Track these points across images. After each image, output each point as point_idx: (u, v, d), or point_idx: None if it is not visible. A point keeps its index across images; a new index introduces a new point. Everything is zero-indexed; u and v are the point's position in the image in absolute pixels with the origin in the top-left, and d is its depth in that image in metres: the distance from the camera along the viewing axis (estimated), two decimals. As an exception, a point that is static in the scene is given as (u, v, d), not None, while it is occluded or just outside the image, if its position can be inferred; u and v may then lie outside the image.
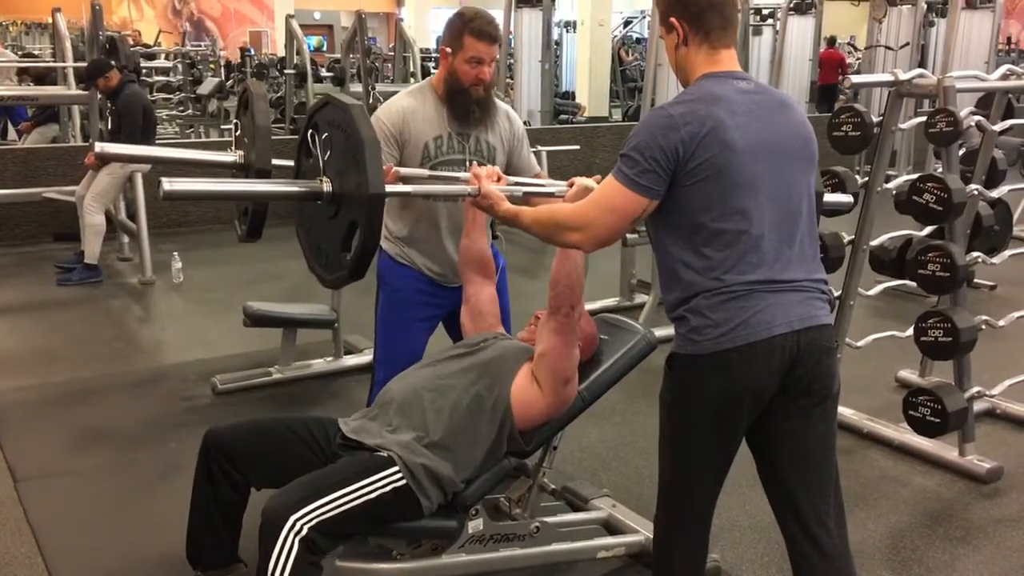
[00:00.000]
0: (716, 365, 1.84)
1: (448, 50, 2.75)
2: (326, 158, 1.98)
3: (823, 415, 1.95)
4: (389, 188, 2.06)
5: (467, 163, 2.80)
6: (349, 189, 2.00)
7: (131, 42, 12.10)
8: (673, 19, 1.93)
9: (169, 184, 1.80)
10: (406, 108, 2.79)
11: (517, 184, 2.43)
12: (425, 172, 2.60)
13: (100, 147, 2.57)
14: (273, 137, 9.09)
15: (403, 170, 2.55)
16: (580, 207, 1.93)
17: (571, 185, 2.28)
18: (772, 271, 1.85)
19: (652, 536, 2.11)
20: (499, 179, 2.46)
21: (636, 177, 1.83)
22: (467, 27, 2.70)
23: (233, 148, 2.59)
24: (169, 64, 13.31)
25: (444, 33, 2.81)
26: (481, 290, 2.68)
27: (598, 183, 2.11)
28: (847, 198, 3.13)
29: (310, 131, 2.16)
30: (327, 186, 2.03)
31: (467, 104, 2.76)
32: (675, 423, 1.95)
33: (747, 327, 1.82)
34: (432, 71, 13.17)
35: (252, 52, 11.94)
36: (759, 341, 1.82)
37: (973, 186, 3.47)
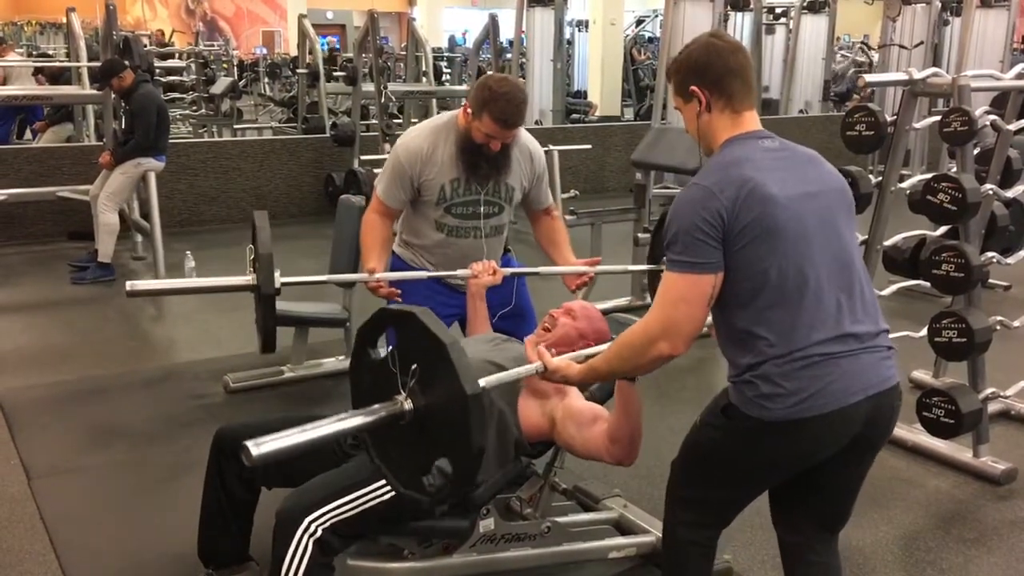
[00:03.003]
0: (787, 432, 1.78)
1: (470, 111, 2.75)
2: (412, 383, 1.80)
3: (873, 457, 1.95)
4: (482, 383, 1.82)
5: (483, 204, 2.88)
6: (440, 425, 1.80)
7: (149, 43, 12.15)
8: (694, 88, 1.89)
9: (256, 448, 1.63)
10: (426, 150, 2.81)
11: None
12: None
13: (131, 285, 2.68)
14: (285, 136, 9.08)
15: (391, 276, 2.80)
16: (649, 317, 1.82)
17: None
18: (840, 326, 1.79)
19: (663, 537, 2.10)
20: (495, 272, 2.59)
21: (691, 259, 1.76)
22: (488, 106, 2.68)
23: (249, 270, 2.77)
24: (182, 64, 13.37)
25: (472, 91, 2.80)
26: None
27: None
28: None
29: (383, 337, 1.98)
30: (408, 404, 1.82)
31: (477, 159, 2.80)
32: (723, 468, 1.91)
33: (823, 396, 1.76)
34: (443, 71, 13.26)
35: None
36: (835, 411, 1.77)
37: (988, 186, 3.45)
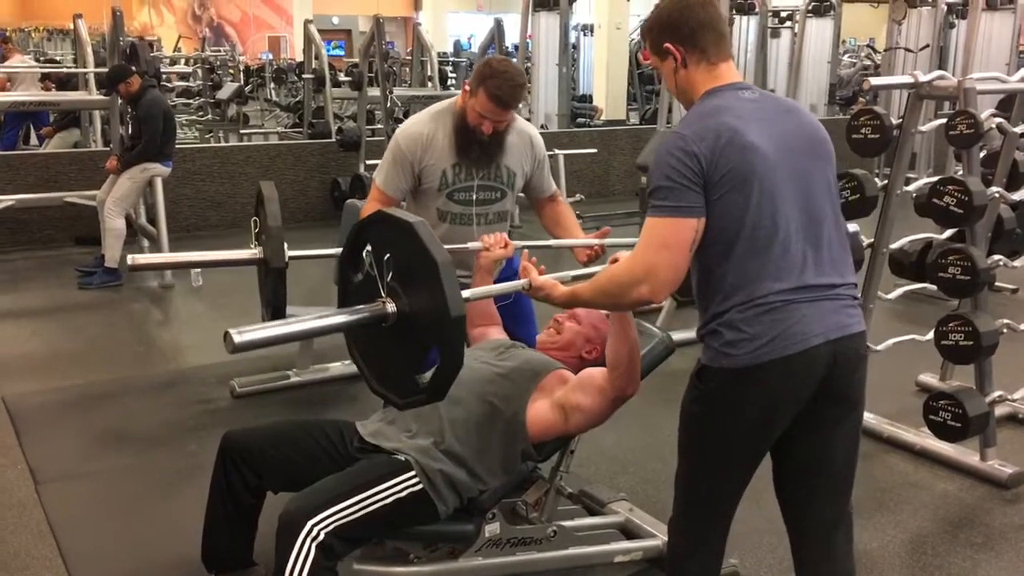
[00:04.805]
0: (753, 378, 1.80)
1: (467, 89, 2.75)
2: (388, 279, 1.85)
3: (851, 422, 1.94)
4: (466, 295, 1.89)
5: (485, 189, 2.86)
6: (421, 311, 1.84)
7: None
8: (667, 44, 1.91)
9: (239, 336, 1.66)
10: (426, 135, 2.81)
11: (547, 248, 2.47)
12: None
13: (132, 259, 2.73)
14: (292, 142, 9.06)
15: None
16: (633, 259, 1.83)
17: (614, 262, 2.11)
18: (804, 276, 1.82)
19: (667, 541, 2.09)
20: (506, 244, 2.56)
21: (674, 203, 1.77)
22: (486, 83, 2.67)
23: (253, 243, 2.69)
24: (189, 69, 13.42)
25: (473, 70, 2.80)
26: (488, 331, 2.67)
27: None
28: (854, 226, 3.11)
29: (364, 250, 2.00)
30: (391, 307, 1.87)
31: (469, 142, 2.79)
32: (706, 436, 1.92)
33: (784, 339, 1.78)
34: (449, 75, 13.28)
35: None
36: (796, 353, 1.79)
37: (994, 189, 3.44)
